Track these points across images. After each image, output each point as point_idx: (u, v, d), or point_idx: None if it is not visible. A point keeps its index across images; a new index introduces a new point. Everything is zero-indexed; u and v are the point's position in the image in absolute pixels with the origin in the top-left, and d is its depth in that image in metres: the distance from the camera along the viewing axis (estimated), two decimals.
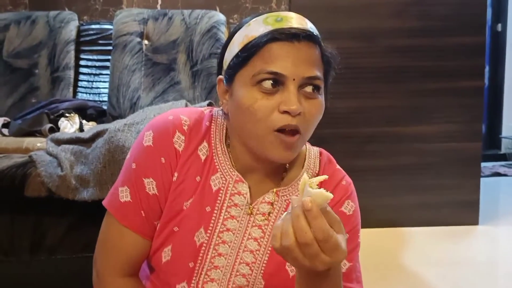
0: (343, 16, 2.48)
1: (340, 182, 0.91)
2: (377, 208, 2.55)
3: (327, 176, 0.71)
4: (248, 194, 0.87)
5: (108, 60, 2.39)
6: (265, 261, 0.87)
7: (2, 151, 1.67)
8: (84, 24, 2.53)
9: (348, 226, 0.89)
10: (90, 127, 1.91)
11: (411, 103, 2.57)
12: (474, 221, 2.64)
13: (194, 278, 0.86)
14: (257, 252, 0.87)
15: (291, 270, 0.88)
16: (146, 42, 2.38)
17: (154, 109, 1.63)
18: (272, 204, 0.88)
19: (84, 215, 1.49)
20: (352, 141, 2.56)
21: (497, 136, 4.43)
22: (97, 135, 1.48)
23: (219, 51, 2.27)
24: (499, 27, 4.36)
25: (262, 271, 0.87)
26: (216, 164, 0.87)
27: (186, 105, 1.81)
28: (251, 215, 0.87)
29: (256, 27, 0.81)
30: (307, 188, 0.65)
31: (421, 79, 2.56)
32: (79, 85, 2.41)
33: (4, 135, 1.91)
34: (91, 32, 2.48)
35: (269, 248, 0.87)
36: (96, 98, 2.37)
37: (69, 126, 1.87)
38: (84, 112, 2.05)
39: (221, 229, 0.86)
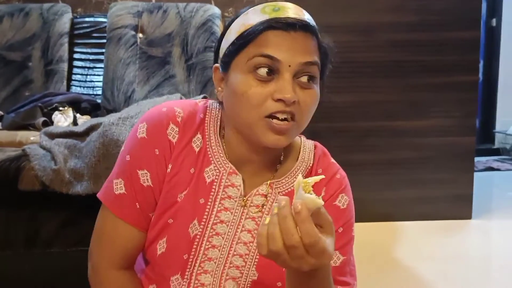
0: (341, 10, 2.48)
1: (335, 176, 0.91)
2: (372, 202, 2.56)
3: (323, 176, 0.71)
4: (242, 186, 0.87)
5: (102, 53, 2.38)
6: (258, 253, 0.88)
7: None
8: (78, 16, 2.51)
9: (342, 220, 0.89)
10: (84, 120, 1.90)
11: (407, 98, 2.58)
12: (467, 215, 2.66)
13: (188, 269, 0.87)
14: (251, 244, 0.88)
15: None
16: (140, 35, 2.36)
17: (148, 102, 1.62)
18: (265, 196, 0.88)
19: (78, 209, 1.49)
20: (348, 135, 2.56)
21: (490, 130, 4.46)
22: (91, 128, 1.47)
23: (214, 44, 2.29)
24: (494, 22, 4.38)
25: (255, 263, 0.88)
26: (210, 156, 0.87)
27: (181, 99, 1.80)
28: (245, 207, 0.88)
29: (253, 16, 0.81)
30: (300, 191, 0.65)
31: (418, 74, 2.57)
32: (73, 78, 2.39)
33: None
34: (85, 25, 2.46)
35: None
36: (90, 92, 2.36)
37: (62, 119, 1.86)
38: (78, 105, 2.04)
39: (214, 221, 0.87)
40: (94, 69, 2.41)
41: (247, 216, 0.88)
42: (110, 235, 0.88)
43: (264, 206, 0.88)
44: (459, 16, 2.54)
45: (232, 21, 0.85)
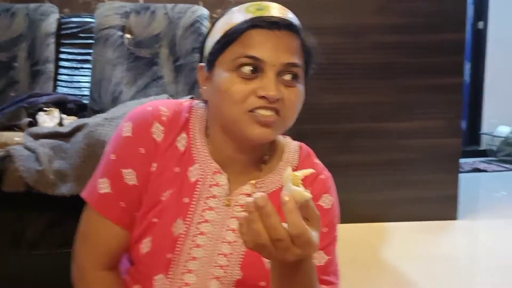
0: (328, 11, 2.50)
1: (319, 176, 0.91)
2: (358, 203, 2.58)
3: (313, 170, 0.71)
4: (227, 185, 0.88)
5: (89, 54, 2.36)
6: (242, 253, 0.88)
7: None
8: (65, 17, 2.49)
9: (326, 220, 0.89)
10: (70, 121, 1.89)
11: (394, 99, 2.60)
12: (453, 215, 2.69)
13: (172, 269, 0.86)
14: (235, 243, 0.88)
15: (268, 261, 0.88)
16: (128, 36, 2.35)
17: (135, 103, 1.62)
18: (250, 195, 0.88)
19: (64, 210, 1.48)
20: (335, 136, 2.58)
21: (477, 132, 4.50)
22: (77, 129, 1.46)
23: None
24: (481, 24, 4.43)
25: (239, 263, 0.88)
26: (195, 155, 0.88)
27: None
28: (230, 207, 0.88)
29: (237, 15, 0.82)
30: (288, 184, 0.66)
31: (404, 76, 2.59)
32: (60, 79, 2.37)
33: None
34: (72, 25, 2.44)
35: None
36: (77, 92, 2.34)
37: (48, 120, 1.84)
38: (64, 106, 2.02)
39: (199, 220, 0.87)
40: (81, 70, 2.39)
41: (232, 216, 0.88)
42: (95, 235, 0.88)
43: None
44: (445, 18, 2.57)
45: (217, 20, 0.86)
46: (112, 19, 2.34)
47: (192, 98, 1.83)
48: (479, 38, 4.46)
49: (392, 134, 2.62)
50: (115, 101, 2.23)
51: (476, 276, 2.17)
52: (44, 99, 1.99)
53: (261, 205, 0.64)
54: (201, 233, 0.87)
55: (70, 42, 2.42)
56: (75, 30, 2.43)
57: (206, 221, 0.87)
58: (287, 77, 0.81)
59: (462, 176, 2.77)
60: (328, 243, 0.90)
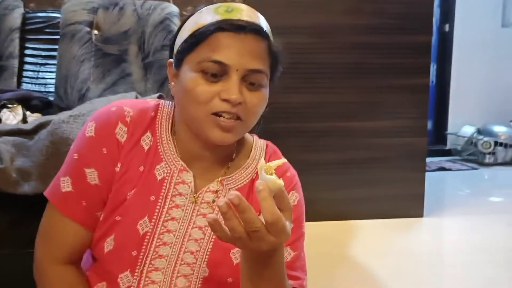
0: (300, 11, 2.51)
1: (285, 174, 0.93)
2: (327, 201, 2.60)
3: (285, 160, 0.74)
4: (193, 183, 0.88)
5: (55, 50, 2.30)
6: (209, 250, 0.88)
7: None
8: (30, 11, 2.43)
9: (292, 216, 0.90)
10: (35, 118, 1.84)
11: (362, 99, 2.64)
12: (419, 213, 2.75)
13: (138, 267, 0.86)
14: (201, 240, 0.88)
15: (235, 258, 0.89)
16: (96, 32, 2.30)
17: (102, 100, 1.59)
18: (216, 192, 0.89)
19: (27, 209, 1.43)
20: (304, 135, 2.60)
21: (443, 132, 4.62)
22: (40, 126, 1.42)
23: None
24: (447, 27, 4.54)
25: (206, 260, 0.88)
26: (161, 153, 0.88)
27: (137, 97, 1.77)
28: (196, 204, 0.88)
29: (206, 16, 0.83)
30: (262, 173, 0.68)
31: (373, 76, 2.63)
32: (24, 75, 2.31)
33: None
34: (38, 20, 2.38)
35: (213, 237, 0.88)
36: (42, 89, 2.28)
37: (11, 117, 1.79)
38: (28, 103, 1.97)
39: (165, 218, 0.87)
40: (47, 66, 2.33)
41: (198, 213, 0.88)
42: (56, 232, 0.88)
43: (215, 203, 0.89)
44: (413, 21, 2.62)
45: (188, 18, 0.86)
46: (79, 14, 2.29)
47: (160, 96, 1.82)
48: (445, 40, 4.57)
49: (360, 133, 2.66)
50: (82, 98, 2.19)
51: (442, 271, 2.22)
52: (8, 95, 1.93)
53: (236, 203, 0.64)
54: (168, 231, 0.87)
55: (35, 37, 2.36)
56: (40, 25, 2.37)
57: (173, 218, 0.87)
58: (251, 80, 0.82)
59: (428, 175, 2.84)
60: (295, 239, 0.91)
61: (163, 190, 0.87)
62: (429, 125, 4.40)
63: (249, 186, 0.91)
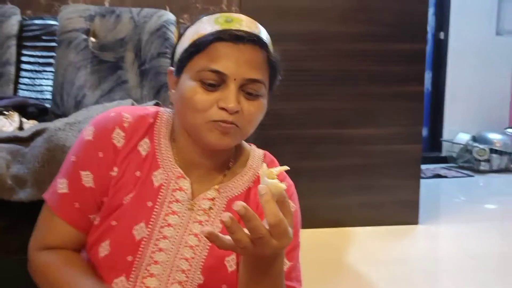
0: (293, 19, 2.53)
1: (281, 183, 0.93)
2: (322, 208, 2.61)
3: (288, 168, 0.75)
4: (190, 190, 0.89)
5: (52, 57, 2.31)
6: (204, 257, 0.89)
7: None
8: (27, 19, 2.43)
9: None
10: (31, 125, 1.84)
11: (356, 106, 2.65)
12: (414, 220, 2.75)
13: (133, 272, 0.86)
14: (197, 247, 0.89)
15: (229, 265, 0.89)
16: (92, 39, 2.31)
17: (97, 108, 1.59)
18: (213, 199, 0.90)
19: (21, 216, 1.44)
20: (299, 142, 2.61)
21: (438, 139, 4.64)
22: (36, 133, 1.43)
23: (168, 50, 2.28)
24: (442, 35, 4.58)
25: (200, 267, 0.88)
26: (159, 160, 0.89)
27: (133, 104, 1.78)
28: (192, 211, 0.89)
29: (206, 25, 0.85)
30: (264, 178, 0.69)
31: (367, 83, 2.65)
32: (21, 82, 2.31)
33: None
34: (34, 27, 2.39)
35: (209, 244, 0.89)
36: (39, 96, 2.29)
37: (7, 124, 1.79)
38: (25, 110, 1.97)
39: (162, 224, 0.87)
40: (43, 73, 2.34)
41: (194, 220, 0.89)
42: (48, 231, 0.90)
43: (211, 210, 0.90)
44: (406, 28, 2.64)
45: (189, 27, 0.88)
46: (76, 22, 2.30)
47: (157, 103, 1.83)
48: (440, 47, 4.61)
49: (354, 140, 2.67)
50: (78, 105, 2.19)
51: (437, 278, 2.23)
52: (4, 102, 1.93)
53: (242, 213, 0.66)
54: (164, 237, 0.87)
55: (32, 44, 2.37)
56: (37, 33, 2.38)
57: (169, 225, 0.88)
58: (249, 90, 0.83)
59: (423, 182, 2.85)
60: (291, 249, 0.91)
61: (160, 196, 0.88)
62: (425, 132, 4.42)
63: (245, 194, 0.92)
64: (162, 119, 0.92)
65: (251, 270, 0.75)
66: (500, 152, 4.20)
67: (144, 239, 0.86)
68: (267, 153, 0.99)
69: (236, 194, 0.91)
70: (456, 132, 4.50)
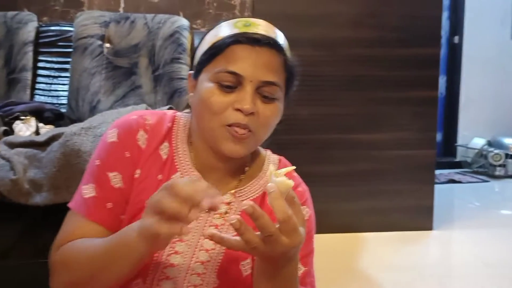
0: (304, 25, 2.53)
1: (296, 188, 0.94)
2: (333, 213, 2.59)
3: (294, 167, 0.77)
4: None
5: (67, 63, 2.35)
6: (219, 260, 0.89)
7: None
8: (43, 25, 2.48)
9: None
10: (47, 130, 1.87)
11: (367, 111, 2.64)
12: (428, 226, 2.73)
13: (149, 275, 0.87)
14: (212, 251, 0.89)
15: (244, 270, 0.90)
16: (107, 45, 2.35)
17: (112, 113, 1.61)
18: (229, 204, 0.90)
19: (38, 219, 1.46)
20: (309, 147, 2.60)
21: (452, 144, 4.59)
22: (53, 138, 1.45)
23: (181, 56, 2.30)
24: (456, 39, 4.54)
25: (216, 270, 0.89)
26: (176, 163, 0.90)
27: (147, 109, 1.80)
28: (209, 215, 0.89)
29: (225, 29, 0.87)
30: (272, 177, 0.71)
31: (378, 88, 2.63)
32: (37, 87, 2.35)
33: None
34: (51, 33, 2.43)
35: (224, 248, 0.88)
36: (55, 101, 2.33)
37: (24, 129, 1.82)
38: (41, 115, 2.00)
39: None
40: (59, 78, 2.37)
41: (210, 224, 0.89)
42: (75, 232, 0.85)
43: (227, 214, 0.90)
44: (420, 33, 2.63)
45: (208, 32, 0.90)
46: (91, 28, 2.34)
47: (170, 108, 1.84)
48: (455, 52, 4.57)
49: (367, 145, 2.65)
50: (93, 110, 2.22)
51: (451, 285, 2.20)
52: (21, 107, 1.97)
53: (250, 212, 0.67)
54: (180, 240, 0.88)
55: (49, 50, 2.41)
56: (53, 39, 2.42)
57: None
58: (265, 92, 0.84)
59: (437, 187, 2.82)
60: (305, 254, 0.91)
61: None
62: (439, 137, 4.38)
63: (261, 198, 0.92)
64: (179, 123, 0.93)
65: (265, 273, 0.75)
66: None
67: None
68: (283, 158, 0.99)
69: (252, 198, 0.92)
70: (471, 137, 4.46)
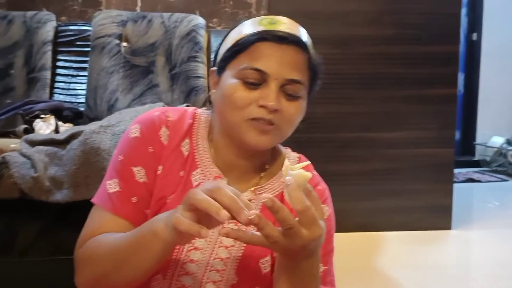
0: (321, 23, 2.52)
1: (316, 187, 0.93)
2: (352, 212, 2.58)
3: (309, 162, 0.77)
4: None
5: (86, 62, 2.38)
6: (238, 257, 0.89)
7: None
8: (62, 25, 2.51)
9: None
10: (66, 128, 1.89)
11: (385, 110, 2.61)
12: (447, 225, 2.70)
13: (169, 270, 0.87)
14: (232, 248, 0.89)
15: (263, 267, 0.90)
16: (124, 44, 2.37)
17: (130, 111, 1.63)
18: (249, 201, 0.90)
19: (55, 218, 1.48)
20: (328, 146, 2.59)
21: (471, 142, 4.53)
22: (72, 136, 1.47)
23: (198, 54, 2.31)
24: (475, 36, 4.48)
25: (235, 267, 0.89)
26: (197, 160, 0.90)
27: None
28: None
29: (250, 27, 0.87)
30: (288, 171, 0.71)
31: (396, 86, 2.61)
32: (56, 86, 2.38)
33: None
34: (69, 33, 2.46)
35: (243, 245, 0.89)
36: (73, 100, 2.35)
37: (44, 127, 1.85)
38: (60, 113, 2.03)
39: None
40: (78, 77, 2.40)
41: (230, 220, 0.89)
42: (100, 227, 0.85)
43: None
44: (438, 30, 2.59)
45: (231, 30, 0.91)
46: (109, 27, 2.36)
47: (187, 106, 1.85)
48: (473, 49, 4.50)
49: (385, 143, 2.63)
50: (111, 108, 2.24)
51: (469, 285, 2.17)
52: (40, 106, 2.00)
53: (269, 205, 0.67)
54: None
55: (67, 49, 2.44)
56: (72, 38, 2.45)
57: None
58: (289, 90, 0.84)
59: (456, 186, 2.79)
60: (326, 253, 0.91)
61: None
62: (457, 135, 4.32)
63: (281, 195, 0.92)
64: (200, 120, 0.94)
65: (285, 268, 0.75)
66: None
67: None
68: (302, 156, 0.99)
69: (273, 194, 0.91)
70: (490, 136, 4.39)
